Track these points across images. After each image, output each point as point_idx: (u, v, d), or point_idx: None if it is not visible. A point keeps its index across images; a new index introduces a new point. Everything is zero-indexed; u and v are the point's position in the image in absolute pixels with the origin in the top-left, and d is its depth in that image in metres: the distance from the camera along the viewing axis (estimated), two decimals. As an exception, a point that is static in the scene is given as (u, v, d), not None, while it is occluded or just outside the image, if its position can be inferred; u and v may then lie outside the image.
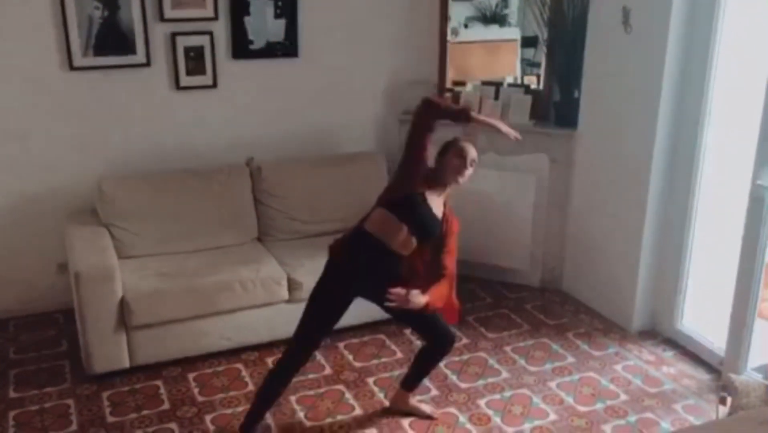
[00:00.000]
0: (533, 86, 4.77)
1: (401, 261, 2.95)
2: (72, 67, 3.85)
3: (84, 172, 3.98)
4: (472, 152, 2.95)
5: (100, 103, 3.98)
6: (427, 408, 3.28)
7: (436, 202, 2.97)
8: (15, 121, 3.84)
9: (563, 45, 4.29)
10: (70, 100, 3.92)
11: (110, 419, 3.21)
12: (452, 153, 2.94)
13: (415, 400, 3.30)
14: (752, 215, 3.28)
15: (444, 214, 3.00)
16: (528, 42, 5.29)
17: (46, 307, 4.11)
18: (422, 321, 3.07)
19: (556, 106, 4.39)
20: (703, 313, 3.84)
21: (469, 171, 2.95)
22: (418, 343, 3.87)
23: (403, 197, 2.91)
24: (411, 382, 3.25)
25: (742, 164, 3.38)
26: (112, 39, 3.89)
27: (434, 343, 3.14)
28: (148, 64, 3.99)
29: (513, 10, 5.48)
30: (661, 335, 3.99)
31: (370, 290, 2.99)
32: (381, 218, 2.92)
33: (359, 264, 2.95)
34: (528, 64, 5.34)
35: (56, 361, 3.67)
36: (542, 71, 4.68)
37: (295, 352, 3.02)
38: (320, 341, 3.12)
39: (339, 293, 2.99)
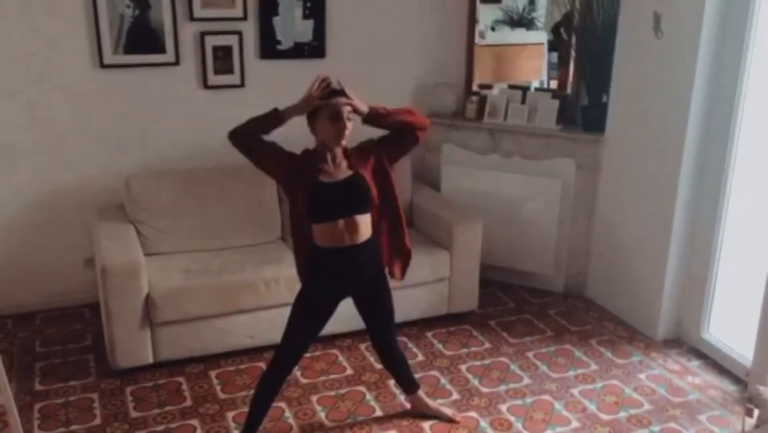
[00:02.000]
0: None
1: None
2: (102, 65, 3.90)
3: (112, 169, 4.03)
4: (342, 111, 2.75)
5: (129, 101, 4.02)
6: (449, 411, 3.26)
7: (338, 171, 2.83)
8: (45, 117, 3.89)
9: (592, 49, 4.26)
10: (100, 98, 3.96)
11: (133, 414, 3.24)
12: (324, 119, 2.76)
13: (435, 403, 3.29)
14: (783, 225, 3.23)
15: (357, 172, 2.84)
16: (555, 46, 5.25)
17: (73, 301, 4.16)
18: (390, 319, 3.10)
19: (583, 111, 4.35)
20: (730, 322, 3.79)
21: (349, 126, 2.77)
22: (440, 346, 3.88)
23: (308, 198, 2.78)
24: (407, 384, 3.25)
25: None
26: (142, 38, 3.93)
27: (385, 340, 3.14)
28: (177, 63, 4.03)
29: (541, 14, 5.45)
30: (687, 344, 3.94)
31: (363, 285, 2.98)
32: (319, 230, 2.82)
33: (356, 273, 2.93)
34: (554, 68, 5.30)
35: (81, 355, 3.72)
36: (570, 75, 4.65)
37: (286, 358, 2.98)
38: (309, 345, 3.10)
39: (332, 298, 2.98)
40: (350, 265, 2.87)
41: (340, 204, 2.81)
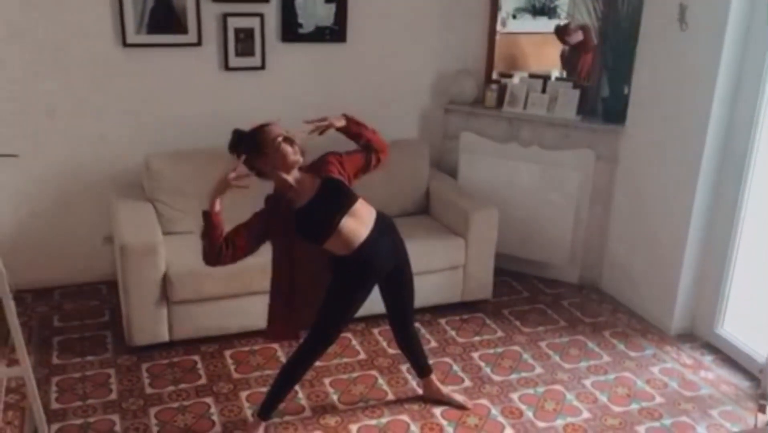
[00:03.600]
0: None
1: None
2: (125, 44, 3.92)
3: (132, 148, 4.06)
4: (275, 131, 2.73)
5: (151, 81, 4.05)
6: (460, 398, 3.28)
7: (307, 188, 2.78)
8: (67, 95, 3.92)
9: (615, 39, 4.22)
10: (122, 77, 3.99)
11: (149, 390, 3.29)
12: (268, 150, 2.71)
13: (447, 389, 3.31)
14: (803, 222, 3.21)
15: (324, 178, 2.81)
16: (577, 36, 5.21)
17: (91, 278, 4.21)
18: (412, 296, 3.10)
19: (603, 102, 4.33)
20: (745, 318, 3.77)
21: (291, 149, 2.72)
22: (453, 333, 3.89)
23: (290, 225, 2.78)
24: (420, 367, 3.26)
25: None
26: (165, 18, 3.94)
27: (406, 320, 3.15)
28: (199, 43, 4.04)
29: (563, 2, 5.40)
30: (701, 339, 3.93)
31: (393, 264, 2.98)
32: (331, 246, 2.80)
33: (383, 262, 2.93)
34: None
35: (98, 331, 3.77)
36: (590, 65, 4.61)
37: (316, 347, 2.98)
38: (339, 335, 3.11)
39: (368, 290, 2.98)
40: (371, 257, 2.85)
41: (328, 215, 2.76)
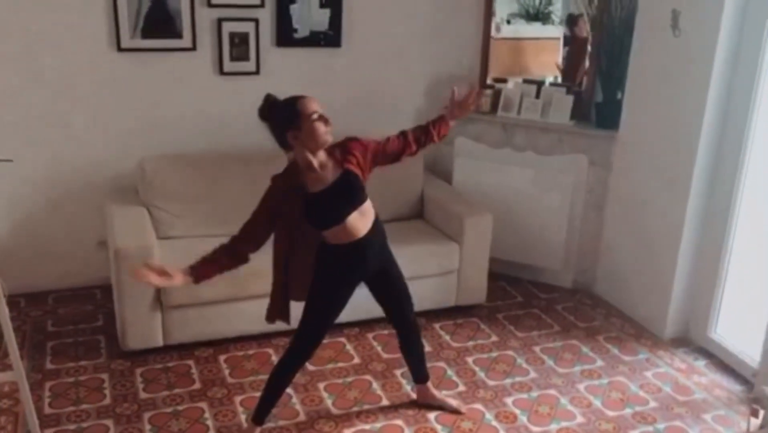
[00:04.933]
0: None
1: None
2: (120, 49, 3.92)
3: (126, 152, 4.06)
4: (311, 107, 2.63)
5: (145, 85, 4.05)
6: (454, 403, 3.29)
7: (327, 175, 2.72)
8: (62, 99, 3.92)
9: (608, 45, 4.24)
10: (116, 81, 3.99)
11: (143, 395, 3.28)
12: (303, 121, 2.60)
13: (441, 394, 3.32)
14: (795, 227, 3.23)
15: (347, 170, 2.75)
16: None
17: (85, 282, 4.21)
18: (401, 303, 3.09)
19: (597, 107, 4.35)
20: (738, 323, 3.79)
21: (324, 128, 2.64)
22: (447, 337, 3.90)
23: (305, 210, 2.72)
24: (418, 373, 3.25)
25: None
26: (159, 22, 3.95)
27: (403, 326, 3.13)
28: (193, 48, 4.05)
29: (557, 8, 5.43)
30: (694, 343, 3.94)
31: (375, 268, 2.96)
32: (328, 234, 2.78)
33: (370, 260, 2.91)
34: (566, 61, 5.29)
35: (92, 335, 3.76)
36: (585, 71, 4.64)
37: (302, 348, 2.96)
38: (325, 335, 3.08)
39: (348, 288, 2.95)
40: (362, 252, 2.85)
41: (340, 207, 2.74)
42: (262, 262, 3.65)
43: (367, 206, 2.84)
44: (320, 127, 2.63)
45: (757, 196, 3.64)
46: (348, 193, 2.76)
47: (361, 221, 2.80)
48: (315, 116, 2.62)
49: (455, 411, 3.25)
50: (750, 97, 3.52)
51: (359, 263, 2.88)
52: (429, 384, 3.28)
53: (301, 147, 2.66)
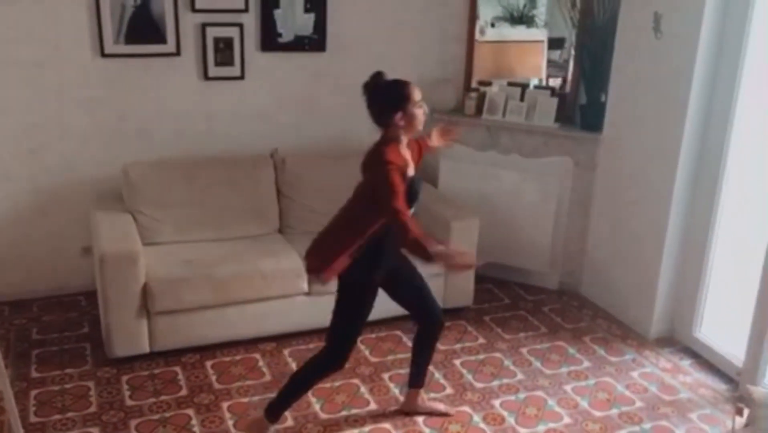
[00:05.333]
0: (557, 88, 4.76)
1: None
2: (103, 54, 3.90)
3: (111, 158, 4.03)
4: (419, 94, 2.74)
5: (130, 91, 4.03)
6: (441, 406, 3.29)
7: (411, 159, 2.83)
8: (45, 105, 3.89)
9: (591, 48, 4.27)
10: (100, 87, 3.96)
11: (129, 402, 3.26)
12: (411, 106, 2.69)
13: (428, 399, 3.32)
14: (777, 227, 3.26)
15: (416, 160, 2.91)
16: (554, 44, 5.27)
17: (70, 289, 4.18)
18: (423, 295, 3.06)
19: (581, 109, 4.37)
20: (722, 322, 3.82)
21: (423, 117, 2.76)
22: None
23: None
24: (417, 377, 3.23)
25: (768, 175, 3.36)
26: (143, 28, 3.93)
27: (429, 320, 3.10)
28: (177, 53, 4.03)
29: (541, 11, 5.46)
30: (679, 343, 3.97)
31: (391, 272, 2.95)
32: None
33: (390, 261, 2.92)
34: (554, 66, 5.32)
35: (78, 343, 3.73)
36: (569, 73, 4.67)
37: (337, 352, 2.92)
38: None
39: (375, 290, 2.94)
40: (397, 248, 2.88)
41: (417, 196, 2.81)
42: (248, 266, 3.66)
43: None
44: (421, 114, 2.75)
45: (738, 197, 3.68)
46: (419, 187, 2.83)
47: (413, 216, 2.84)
48: (420, 103, 2.73)
49: (444, 414, 3.25)
50: (731, 98, 3.55)
51: (395, 255, 2.91)
52: (420, 391, 3.27)
53: (398, 129, 2.73)
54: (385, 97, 2.73)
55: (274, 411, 3.00)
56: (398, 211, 2.59)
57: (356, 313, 2.90)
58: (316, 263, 2.89)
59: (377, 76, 2.76)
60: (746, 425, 2.77)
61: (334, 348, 2.92)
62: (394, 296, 3.08)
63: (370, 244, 2.79)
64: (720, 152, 3.64)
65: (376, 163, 2.70)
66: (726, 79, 3.57)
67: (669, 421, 3.30)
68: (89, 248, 3.83)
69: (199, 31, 4.05)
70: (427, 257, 2.58)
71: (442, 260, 2.63)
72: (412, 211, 2.75)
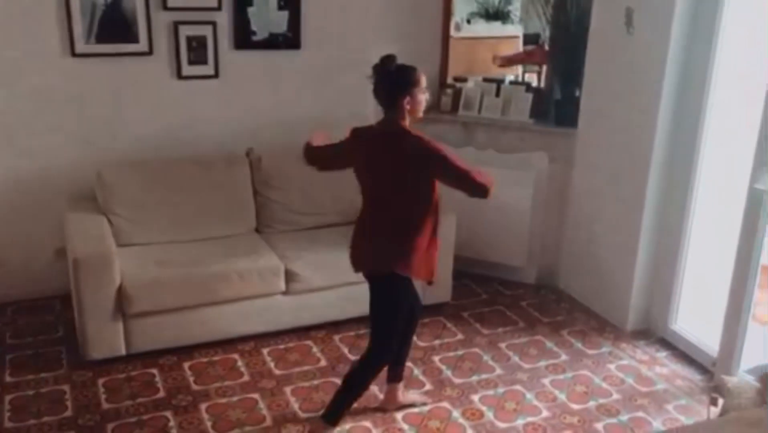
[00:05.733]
0: (533, 84, 4.78)
1: None
2: (74, 54, 3.85)
3: (84, 159, 3.99)
4: (425, 81, 2.84)
5: (102, 91, 3.98)
6: (418, 396, 3.33)
7: None
8: (16, 106, 3.84)
9: (565, 43, 4.30)
10: (72, 87, 3.92)
11: (105, 405, 3.23)
12: (418, 91, 2.77)
13: (405, 395, 3.31)
14: (749, 218, 3.30)
15: None
16: (530, 39, 5.30)
17: (44, 292, 4.12)
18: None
19: (556, 105, 4.40)
20: (698, 314, 3.87)
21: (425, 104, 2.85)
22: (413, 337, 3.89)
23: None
24: (397, 372, 3.24)
25: (740, 167, 3.40)
26: (114, 27, 3.89)
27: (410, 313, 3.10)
28: (150, 52, 3.99)
29: (516, 7, 5.48)
30: (655, 335, 4.01)
31: None
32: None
33: None
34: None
35: (53, 346, 3.69)
36: (543, 69, 4.70)
37: (387, 345, 2.93)
38: None
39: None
40: None
41: None
42: (225, 266, 3.64)
43: None
44: (424, 100, 2.81)
45: (712, 190, 3.72)
46: None
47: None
48: (425, 90, 2.80)
49: (423, 403, 3.29)
50: (703, 92, 3.59)
51: None
52: (400, 385, 3.28)
53: (403, 111, 2.77)
54: (396, 80, 2.77)
55: (334, 415, 2.98)
56: (482, 182, 2.85)
57: (402, 305, 2.92)
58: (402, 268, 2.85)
59: (388, 59, 2.81)
60: (721, 414, 2.80)
61: (384, 342, 2.93)
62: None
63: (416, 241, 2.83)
64: (693, 146, 3.68)
65: (414, 143, 2.75)
66: (698, 73, 3.60)
67: (645, 412, 3.33)
68: (63, 249, 3.78)
69: (172, 29, 4.01)
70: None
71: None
72: None
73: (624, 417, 3.29)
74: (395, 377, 3.25)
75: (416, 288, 3.11)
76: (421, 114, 2.84)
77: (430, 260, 2.92)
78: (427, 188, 2.81)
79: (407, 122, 2.81)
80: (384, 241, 2.85)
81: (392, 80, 2.77)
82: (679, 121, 3.73)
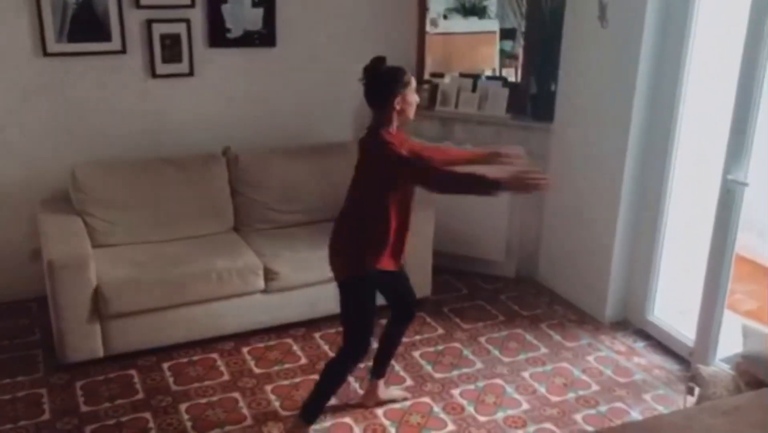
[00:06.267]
0: (510, 78, 4.80)
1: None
2: (45, 53, 3.80)
3: (58, 160, 3.94)
4: (415, 82, 2.84)
5: (75, 90, 3.94)
6: (399, 392, 3.34)
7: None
8: (-13, 107, 3.79)
9: (540, 38, 4.31)
10: (44, 87, 3.87)
11: (84, 408, 3.20)
12: (408, 92, 2.76)
13: (385, 391, 3.32)
14: (722, 209, 3.34)
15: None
16: (507, 34, 5.32)
17: (19, 295, 4.06)
18: (405, 283, 3.12)
19: (532, 99, 4.42)
20: (674, 305, 3.91)
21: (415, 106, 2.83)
22: (394, 333, 3.90)
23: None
24: (382, 368, 3.25)
25: (713, 159, 3.44)
26: (86, 25, 3.84)
27: (405, 310, 3.15)
28: (123, 51, 3.95)
29: (492, 2, 5.50)
30: (633, 326, 4.05)
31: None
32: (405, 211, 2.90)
33: None
34: (506, 57, 5.37)
35: (29, 350, 3.64)
36: (520, 64, 4.71)
37: (362, 341, 2.95)
38: None
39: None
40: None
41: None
42: (203, 265, 3.62)
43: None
44: (414, 102, 2.80)
45: (686, 181, 3.76)
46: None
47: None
48: (414, 96, 2.79)
49: (404, 398, 3.30)
50: (676, 85, 3.62)
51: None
52: (381, 382, 3.29)
53: (392, 113, 2.77)
54: (385, 81, 2.77)
55: (310, 413, 2.99)
56: (435, 171, 2.74)
57: (370, 302, 2.93)
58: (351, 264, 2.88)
59: (378, 60, 2.82)
60: (697, 403, 2.84)
61: (359, 339, 2.94)
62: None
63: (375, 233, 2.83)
64: (667, 139, 3.71)
65: (379, 146, 2.74)
66: (671, 66, 3.63)
67: (624, 402, 3.36)
68: (38, 251, 3.74)
69: (145, 27, 3.97)
70: (495, 187, 2.68)
71: (514, 187, 2.74)
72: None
73: (603, 408, 3.32)
74: (378, 373, 3.26)
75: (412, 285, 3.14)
76: (412, 115, 2.83)
77: (394, 250, 2.90)
78: (378, 189, 2.80)
79: (395, 125, 2.79)
80: (336, 243, 2.92)
81: (382, 81, 2.77)
82: (653, 115, 3.76)
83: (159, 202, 3.89)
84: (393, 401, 3.30)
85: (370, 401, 3.28)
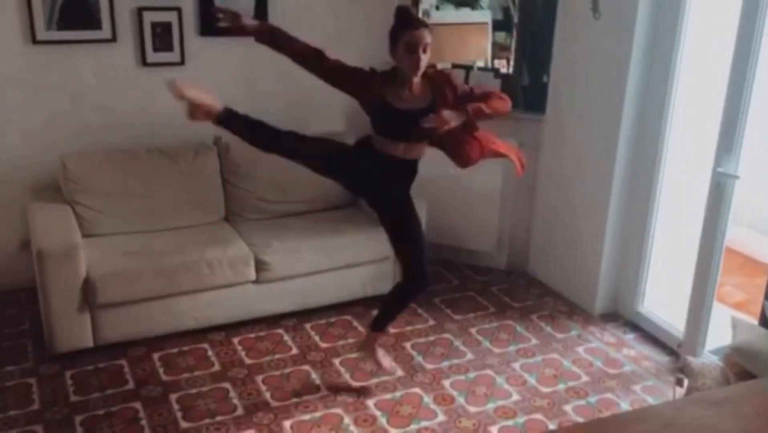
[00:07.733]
0: (503, 70, 4.80)
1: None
2: (35, 41, 3.76)
3: (47, 149, 3.91)
4: (422, 38, 2.81)
5: (65, 79, 3.90)
6: (387, 363, 3.40)
7: (417, 98, 2.92)
8: (-25, 95, 3.75)
9: (533, 29, 4.31)
10: (33, 75, 3.83)
11: (73, 398, 3.19)
12: (402, 47, 2.83)
13: (380, 352, 3.39)
14: (713, 201, 3.36)
15: (433, 107, 2.90)
16: (499, 25, 5.31)
17: (8, 285, 4.04)
18: (417, 247, 3.14)
19: (524, 91, 4.41)
20: (664, 296, 3.93)
21: (424, 58, 2.84)
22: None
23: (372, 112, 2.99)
24: (383, 323, 3.30)
25: (704, 151, 3.45)
26: (76, 13, 3.80)
27: (412, 278, 3.17)
28: (113, 39, 3.92)
29: (485, -7, 5.48)
30: (623, 317, 4.07)
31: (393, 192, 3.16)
32: (379, 139, 3.01)
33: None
34: (499, 48, 5.36)
35: (18, 340, 3.63)
36: (512, 55, 4.71)
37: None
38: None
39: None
40: (391, 170, 3.05)
41: (404, 131, 2.93)
42: (193, 255, 3.60)
43: (423, 144, 3.02)
44: (410, 60, 2.82)
45: (677, 175, 3.77)
46: (412, 126, 2.85)
47: (411, 150, 3.01)
48: (406, 45, 2.81)
49: (387, 372, 3.39)
50: (668, 75, 3.63)
51: (386, 173, 3.06)
52: (378, 338, 3.36)
53: (398, 63, 2.89)
54: (395, 25, 2.89)
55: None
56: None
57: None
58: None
59: (405, 6, 2.98)
60: (686, 394, 2.86)
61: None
62: (399, 235, 3.17)
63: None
64: (658, 131, 3.72)
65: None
66: (663, 59, 3.64)
67: (613, 394, 3.38)
68: (27, 241, 3.72)
69: (136, 15, 3.94)
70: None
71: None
72: (401, 146, 2.97)
73: (592, 399, 3.34)
74: (378, 326, 3.30)
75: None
76: (413, 73, 2.86)
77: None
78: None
79: (406, 75, 2.88)
80: None
81: (394, 24, 2.89)
82: (645, 106, 3.76)
83: (149, 192, 3.87)
84: (378, 364, 3.37)
85: (362, 347, 3.40)
